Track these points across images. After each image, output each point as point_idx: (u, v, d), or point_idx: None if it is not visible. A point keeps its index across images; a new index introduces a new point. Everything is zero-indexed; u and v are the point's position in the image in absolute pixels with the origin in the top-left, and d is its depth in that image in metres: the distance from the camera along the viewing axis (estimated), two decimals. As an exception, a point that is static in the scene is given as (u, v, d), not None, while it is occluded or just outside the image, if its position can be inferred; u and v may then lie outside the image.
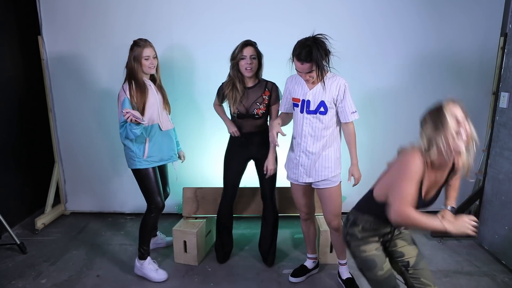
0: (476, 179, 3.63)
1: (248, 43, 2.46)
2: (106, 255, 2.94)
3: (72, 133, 3.49)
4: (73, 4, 3.23)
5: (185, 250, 2.77)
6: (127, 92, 2.38)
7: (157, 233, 3.02)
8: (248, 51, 2.43)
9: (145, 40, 2.45)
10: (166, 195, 2.81)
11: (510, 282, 2.59)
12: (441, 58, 3.38)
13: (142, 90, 2.41)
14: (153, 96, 2.47)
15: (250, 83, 2.54)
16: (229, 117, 2.66)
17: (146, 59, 2.42)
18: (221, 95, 2.61)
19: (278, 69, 3.27)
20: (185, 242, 2.75)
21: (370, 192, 1.85)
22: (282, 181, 2.73)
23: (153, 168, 2.52)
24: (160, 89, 2.58)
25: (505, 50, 2.82)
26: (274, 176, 2.61)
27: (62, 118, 3.47)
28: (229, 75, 2.54)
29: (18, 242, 2.89)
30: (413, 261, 1.86)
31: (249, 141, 2.59)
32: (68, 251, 2.99)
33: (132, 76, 2.42)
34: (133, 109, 2.35)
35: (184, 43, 3.28)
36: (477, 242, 3.11)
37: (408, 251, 1.88)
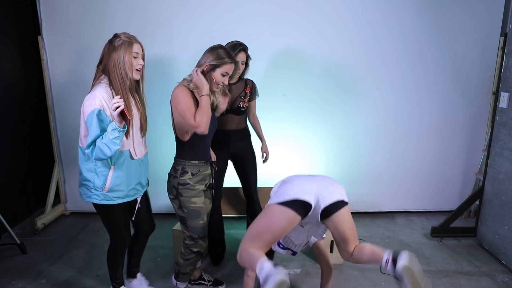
0: (476, 179, 3.63)
1: (242, 49, 2.43)
2: (106, 255, 2.92)
3: (72, 133, 3.49)
4: (73, 4, 3.23)
5: (185, 250, 2.78)
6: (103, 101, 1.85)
7: (138, 275, 2.43)
8: (241, 57, 2.43)
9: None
10: (153, 226, 2.32)
11: (510, 282, 2.59)
12: (441, 58, 3.38)
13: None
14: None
15: (234, 80, 2.53)
16: None
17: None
18: None
19: (277, 68, 3.28)
20: (185, 242, 2.76)
21: (177, 138, 2.10)
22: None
23: (120, 206, 2.02)
24: (142, 102, 2.06)
25: (505, 50, 2.82)
26: (256, 171, 2.73)
27: (62, 118, 3.47)
28: None
29: (18, 242, 2.89)
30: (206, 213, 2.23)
31: (230, 139, 2.60)
32: (68, 251, 2.98)
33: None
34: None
35: (184, 43, 3.28)
36: (477, 242, 3.11)
37: (206, 205, 2.26)
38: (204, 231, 2.17)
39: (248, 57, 2.50)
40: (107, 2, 3.22)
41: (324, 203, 1.86)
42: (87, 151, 1.82)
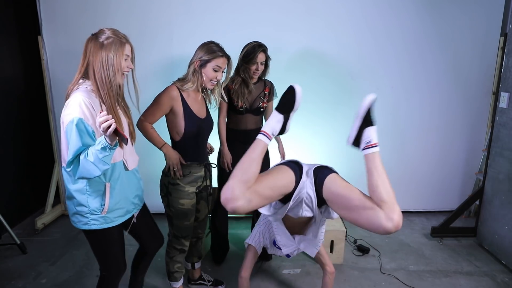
0: (476, 179, 3.63)
1: (263, 50, 2.46)
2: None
3: (72, 133, 3.49)
4: (73, 4, 3.22)
5: (185, 250, 2.78)
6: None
7: None
8: (261, 58, 2.46)
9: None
10: (161, 240, 2.08)
11: (510, 282, 2.59)
12: (441, 58, 3.38)
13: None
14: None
15: (254, 80, 2.59)
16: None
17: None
18: (225, 91, 2.58)
19: (277, 69, 3.27)
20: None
21: (170, 136, 2.14)
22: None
23: (118, 226, 1.73)
24: (125, 108, 1.76)
25: (505, 50, 2.82)
26: None
27: (62, 118, 3.47)
28: (237, 72, 2.53)
29: (18, 242, 2.89)
30: (202, 216, 2.34)
31: (250, 138, 2.61)
32: (68, 251, 2.99)
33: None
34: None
35: (184, 43, 3.27)
36: (477, 242, 3.11)
37: (203, 208, 2.31)
38: (188, 232, 2.20)
39: (268, 58, 2.52)
40: (107, 2, 3.22)
41: (314, 166, 1.86)
42: (68, 169, 1.50)
